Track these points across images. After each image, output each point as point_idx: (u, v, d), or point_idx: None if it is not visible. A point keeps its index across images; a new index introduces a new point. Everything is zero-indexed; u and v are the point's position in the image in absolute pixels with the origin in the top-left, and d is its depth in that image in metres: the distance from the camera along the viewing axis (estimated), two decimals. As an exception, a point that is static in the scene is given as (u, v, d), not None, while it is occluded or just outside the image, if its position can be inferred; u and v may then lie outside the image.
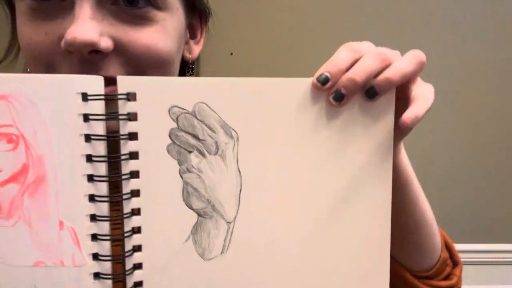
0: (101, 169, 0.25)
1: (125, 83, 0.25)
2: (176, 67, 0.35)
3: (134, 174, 0.25)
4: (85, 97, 0.24)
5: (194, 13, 0.37)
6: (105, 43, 0.28)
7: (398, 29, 1.28)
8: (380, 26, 1.29)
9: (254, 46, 1.27)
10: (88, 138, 0.24)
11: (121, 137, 0.25)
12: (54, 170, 0.24)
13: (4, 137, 0.23)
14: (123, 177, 0.25)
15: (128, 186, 0.25)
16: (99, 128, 0.25)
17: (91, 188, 0.24)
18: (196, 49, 0.40)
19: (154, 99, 0.25)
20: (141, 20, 0.30)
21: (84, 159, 0.24)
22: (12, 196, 0.24)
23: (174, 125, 0.26)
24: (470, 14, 1.28)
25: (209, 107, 0.26)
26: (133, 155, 0.25)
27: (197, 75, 0.42)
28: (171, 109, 0.25)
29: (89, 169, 0.24)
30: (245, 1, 1.27)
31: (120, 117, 0.25)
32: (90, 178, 0.24)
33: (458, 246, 1.36)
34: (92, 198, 0.24)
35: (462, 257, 1.36)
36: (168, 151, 0.26)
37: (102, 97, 0.25)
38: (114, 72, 0.30)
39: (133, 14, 0.29)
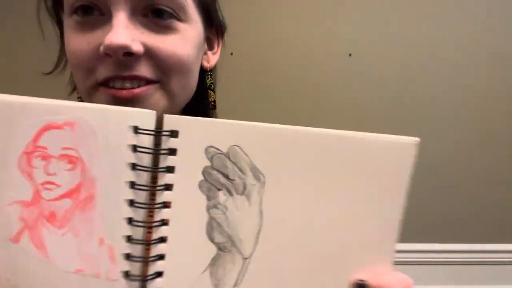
0: (142, 196, 0.27)
1: (170, 121, 0.27)
2: (196, 73, 0.39)
3: (167, 204, 0.27)
4: (136, 130, 0.27)
5: (211, 27, 0.42)
6: (137, 47, 0.33)
7: (398, 27, 1.26)
8: (381, 23, 1.27)
9: (254, 46, 1.26)
10: (133, 167, 0.27)
11: (160, 169, 0.27)
12: (102, 192, 0.27)
13: (66, 158, 0.27)
14: (157, 205, 0.27)
15: (160, 214, 0.27)
16: (145, 159, 0.27)
17: (130, 212, 0.27)
18: (213, 59, 0.45)
19: (193, 138, 0.27)
20: (166, 30, 0.34)
21: (128, 185, 0.27)
22: (65, 209, 0.27)
23: (208, 163, 0.28)
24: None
25: (242, 150, 0.27)
26: (169, 187, 0.27)
27: (214, 81, 0.47)
28: (207, 149, 0.27)
29: (131, 194, 0.27)
30: (245, 1, 1.26)
31: (162, 151, 0.27)
32: (131, 203, 0.27)
33: (458, 246, 1.30)
34: (130, 221, 0.27)
35: (461, 257, 1.27)
36: (199, 187, 0.28)
37: (151, 132, 0.27)
38: (145, 72, 0.34)
39: (160, 24, 0.34)
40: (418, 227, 1.37)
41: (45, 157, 0.27)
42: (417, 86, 1.29)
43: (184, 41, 0.35)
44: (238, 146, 0.27)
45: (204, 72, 0.43)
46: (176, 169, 0.27)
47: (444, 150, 1.32)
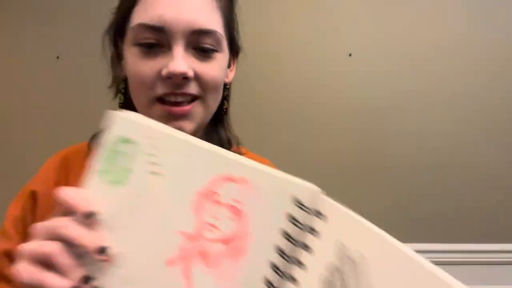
0: (280, 261, 0.30)
1: (320, 200, 0.30)
2: (222, 88, 0.49)
3: (295, 278, 0.29)
4: (294, 201, 0.30)
5: (232, 51, 0.52)
6: (191, 73, 0.43)
7: (398, 27, 1.27)
8: (381, 23, 1.27)
9: (254, 46, 1.22)
10: (283, 234, 0.30)
11: (299, 245, 0.30)
12: (252, 247, 0.30)
13: (231, 208, 0.31)
14: (287, 277, 0.29)
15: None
16: (293, 230, 0.30)
17: (268, 273, 0.29)
18: (231, 75, 0.55)
19: (333, 225, 0.29)
20: (208, 59, 0.45)
21: (275, 249, 0.30)
22: (218, 252, 0.31)
23: (335, 259, 0.28)
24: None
25: (368, 264, 0.26)
26: (300, 264, 0.29)
27: (229, 92, 0.55)
28: (338, 241, 0.28)
29: (275, 258, 0.30)
30: (245, 2, 1.24)
31: (309, 229, 0.30)
32: (272, 265, 0.30)
33: (458, 246, 1.28)
34: (269, 284, 0.29)
35: (462, 257, 1.26)
36: (321, 279, 0.28)
37: (306, 209, 0.30)
38: (193, 90, 0.44)
39: (204, 55, 0.45)
40: (418, 227, 1.34)
41: (216, 203, 0.32)
42: (417, 86, 1.29)
43: (219, 66, 0.46)
44: (366, 258, 0.26)
45: (224, 86, 0.52)
46: (311, 250, 0.29)
47: (445, 150, 1.30)
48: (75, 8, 1.27)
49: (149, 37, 0.42)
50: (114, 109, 0.61)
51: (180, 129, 0.43)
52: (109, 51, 0.51)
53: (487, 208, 1.32)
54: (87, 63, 1.28)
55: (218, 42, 0.45)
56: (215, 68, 0.45)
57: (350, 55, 1.29)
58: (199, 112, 0.46)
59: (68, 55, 1.27)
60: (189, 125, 0.45)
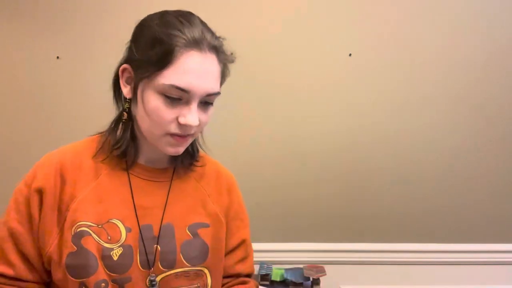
0: None
1: None
2: None
3: None
4: None
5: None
6: (198, 123, 0.56)
7: (400, 27, 1.27)
8: (381, 23, 1.26)
9: (254, 46, 1.27)
10: None
11: None
12: None
13: None
14: None
15: None
16: None
17: None
18: None
19: None
20: (208, 108, 0.58)
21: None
22: None
23: None
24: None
25: None
26: None
27: None
28: None
29: None
30: (245, 2, 1.28)
31: None
32: None
33: (457, 246, 1.33)
34: None
35: (462, 257, 1.31)
36: None
37: None
38: (194, 131, 0.57)
39: (206, 106, 0.58)
40: (418, 228, 1.35)
41: None
42: (416, 86, 1.28)
43: (212, 111, 0.59)
44: None
45: None
46: None
47: (446, 150, 1.30)
48: (75, 9, 1.27)
49: (176, 94, 0.54)
50: (112, 109, 0.63)
51: (178, 151, 0.58)
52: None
53: (488, 208, 1.32)
54: (87, 63, 1.28)
55: (217, 96, 0.58)
56: (210, 114, 0.59)
57: (350, 55, 1.28)
58: (190, 140, 0.60)
59: (68, 55, 1.27)
60: (183, 149, 0.59)
